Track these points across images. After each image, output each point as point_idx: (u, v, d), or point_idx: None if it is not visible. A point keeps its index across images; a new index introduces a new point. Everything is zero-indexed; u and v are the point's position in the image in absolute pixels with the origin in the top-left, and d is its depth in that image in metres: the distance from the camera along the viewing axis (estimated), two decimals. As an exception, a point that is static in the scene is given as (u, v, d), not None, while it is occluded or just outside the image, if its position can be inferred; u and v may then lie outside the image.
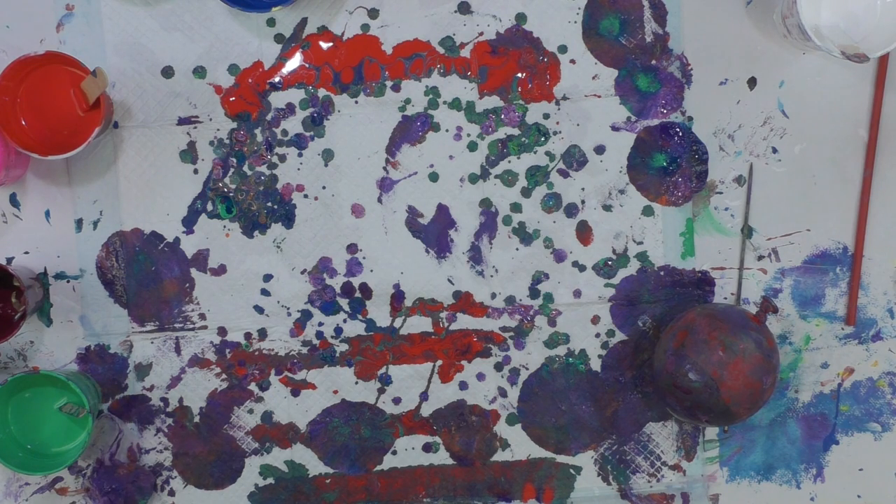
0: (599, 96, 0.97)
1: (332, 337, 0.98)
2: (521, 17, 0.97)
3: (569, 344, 0.98)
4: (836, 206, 0.98)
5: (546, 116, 0.97)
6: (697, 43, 0.97)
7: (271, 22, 0.97)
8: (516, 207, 0.98)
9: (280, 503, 0.98)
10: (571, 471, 0.99)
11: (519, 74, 0.97)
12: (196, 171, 0.97)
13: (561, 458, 0.99)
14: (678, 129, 0.98)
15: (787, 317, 0.99)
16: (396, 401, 0.98)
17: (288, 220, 0.97)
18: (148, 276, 0.97)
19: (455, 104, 0.97)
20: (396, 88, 0.97)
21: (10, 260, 0.97)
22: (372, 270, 0.98)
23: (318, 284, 0.98)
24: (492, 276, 0.98)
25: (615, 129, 0.98)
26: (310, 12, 0.97)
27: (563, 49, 0.97)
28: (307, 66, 0.97)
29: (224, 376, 0.98)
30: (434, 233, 0.98)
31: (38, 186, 0.97)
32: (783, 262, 0.99)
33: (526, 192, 0.98)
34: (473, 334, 0.98)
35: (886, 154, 0.98)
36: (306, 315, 0.98)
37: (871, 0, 0.93)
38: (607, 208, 0.98)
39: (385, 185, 0.97)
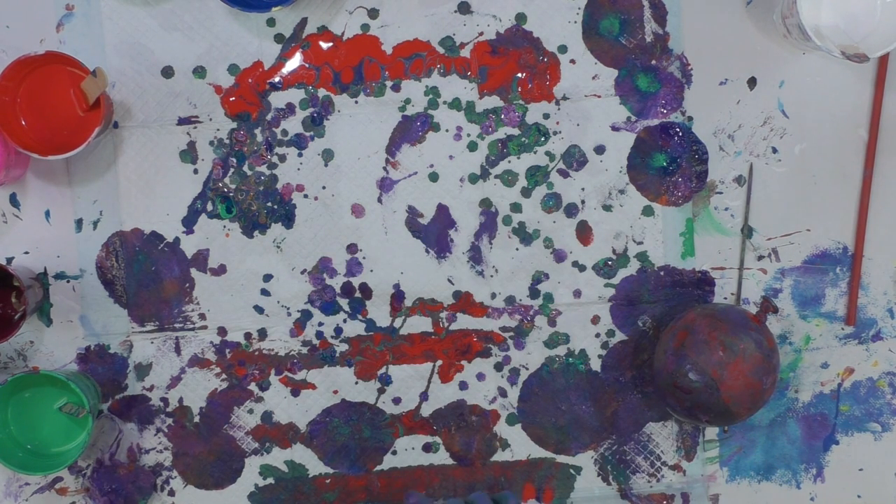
0: (599, 96, 0.97)
1: (332, 337, 0.98)
2: (521, 17, 0.97)
3: (569, 344, 0.98)
4: (836, 206, 0.98)
5: (546, 116, 0.97)
6: (697, 43, 0.97)
7: (271, 22, 0.97)
8: (516, 207, 0.98)
9: (280, 503, 0.98)
10: (571, 471, 0.99)
11: (519, 74, 0.97)
12: (196, 171, 0.97)
13: (561, 458, 0.99)
14: (678, 129, 0.98)
15: (787, 317, 0.99)
16: (396, 401, 0.98)
17: (288, 220, 0.97)
18: (148, 276, 0.97)
19: (455, 104, 0.97)
20: (396, 88, 0.97)
21: (10, 260, 0.97)
22: (372, 270, 0.98)
23: (318, 284, 0.98)
24: (492, 276, 0.98)
25: (615, 129, 0.98)
26: (310, 12, 0.97)
27: (563, 49, 0.97)
28: (307, 66, 0.97)
29: (224, 376, 0.98)
30: (434, 233, 0.98)
31: (38, 186, 0.97)
32: (783, 262, 0.99)
33: (526, 192, 0.98)
34: (473, 334, 0.98)
35: (886, 154, 0.98)
36: (306, 315, 0.98)
37: (871, 0, 0.93)
38: (607, 208, 0.98)
39: (385, 185, 0.97)
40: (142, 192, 0.97)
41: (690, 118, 0.98)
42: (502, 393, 0.98)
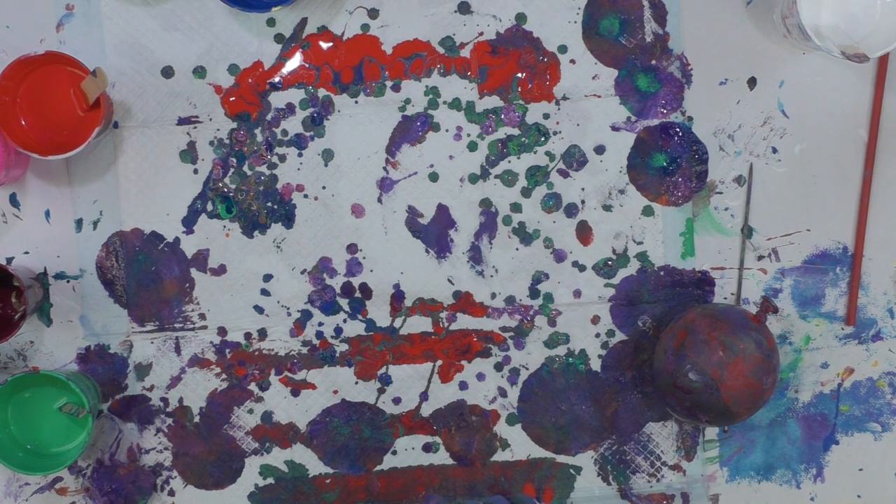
0: (599, 96, 0.98)
1: (332, 337, 0.98)
2: (521, 17, 0.97)
3: (569, 344, 0.98)
4: (836, 206, 0.98)
5: (546, 116, 0.97)
6: (697, 43, 0.97)
7: (271, 22, 0.97)
8: (516, 207, 0.98)
9: (280, 503, 0.98)
10: (571, 471, 0.99)
11: (519, 74, 0.97)
12: (196, 171, 0.97)
13: (561, 458, 0.99)
14: (678, 129, 0.98)
15: (787, 317, 0.99)
16: (396, 401, 0.98)
17: (288, 220, 0.97)
18: (148, 276, 0.97)
19: (455, 104, 0.97)
20: (396, 88, 0.97)
21: (10, 260, 0.97)
22: (372, 270, 0.98)
23: (318, 284, 0.98)
24: (492, 276, 0.98)
25: (615, 129, 0.98)
26: (310, 12, 0.97)
27: (563, 49, 0.97)
28: (307, 66, 0.97)
29: (224, 376, 0.98)
30: (434, 233, 0.98)
31: (38, 186, 0.97)
32: (783, 262, 0.99)
33: (526, 192, 0.98)
34: (473, 334, 0.98)
35: (886, 154, 0.98)
36: (306, 315, 0.98)
37: (870, 0, 0.93)
38: (607, 208, 0.98)
39: (385, 185, 0.97)
40: (142, 192, 0.97)
41: (690, 118, 0.98)
42: (502, 393, 0.98)
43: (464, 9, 0.97)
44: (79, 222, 0.97)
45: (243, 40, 0.97)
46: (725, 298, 0.99)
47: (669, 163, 0.98)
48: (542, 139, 0.98)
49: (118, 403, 0.98)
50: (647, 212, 0.98)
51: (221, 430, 0.98)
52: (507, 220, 0.98)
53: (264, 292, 0.98)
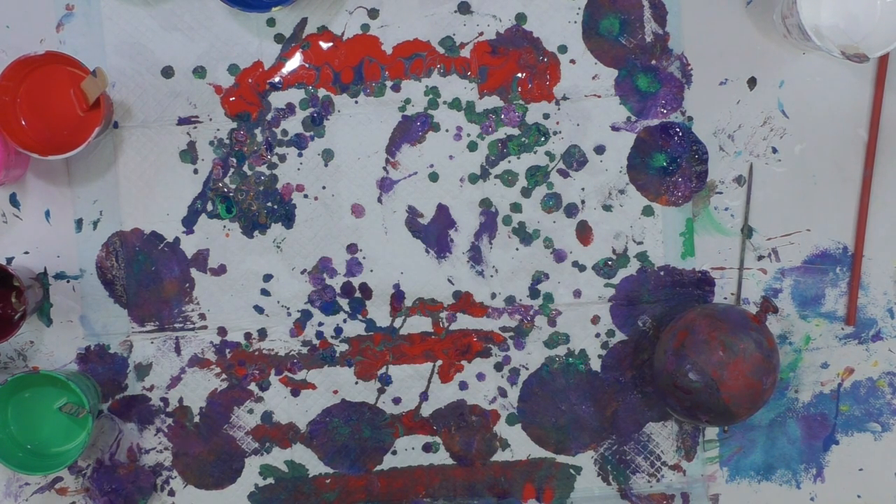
0: (599, 96, 0.98)
1: (332, 337, 0.98)
2: (521, 17, 0.97)
3: (569, 344, 0.98)
4: (836, 206, 0.98)
5: (546, 116, 0.97)
6: (697, 43, 0.97)
7: (271, 22, 0.97)
8: (516, 207, 0.98)
9: (280, 503, 0.98)
10: (571, 471, 0.99)
11: (519, 74, 0.97)
12: (196, 171, 0.97)
13: (561, 458, 0.99)
14: (678, 129, 0.98)
15: (787, 317, 0.99)
16: (396, 401, 0.98)
17: (288, 220, 0.97)
18: (148, 276, 0.97)
19: (455, 104, 0.97)
20: (396, 88, 0.97)
21: (10, 260, 0.97)
22: (372, 270, 0.98)
23: (318, 284, 0.98)
24: (492, 276, 0.98)
25: (615, 129, 0.98)
26: (310, 12, 0.97)
27: (563, 49, 0.97)
28: (307, 66, 0.97)
29: (224, 376, 0.98)
30: (434, 233, 0.98)
31: (38, 186, 0.97)
32: (783, 262, 0.99)
33: (526, 192, 0.98)
34: (473, 334, 0.98)
35: (886, 154, 0.98)
36: (306, 315, 0.98)
37: (871, 0, 0.93)
38: (607, 208, 0.98)
39: (385, 185, 0.97)
40: (142, 192, 0.97)
41: (690, 118, 0.98)
42: (502, 393, 0.98)
43: (464, 9, 0.97)
44: (79, 222, 0.97)
45: (243, 40, 0.97)
46: (725, 298, 0.99)
47: (669, 163, 0.98)
48: (542, 139, 0.98)
49: (118, 403, 0.98)
50: (647, 212, 0.98)
51: (221, 430, 0.98)
52: (507, 220, 0.98)
53: (264, 292, 0.98)
